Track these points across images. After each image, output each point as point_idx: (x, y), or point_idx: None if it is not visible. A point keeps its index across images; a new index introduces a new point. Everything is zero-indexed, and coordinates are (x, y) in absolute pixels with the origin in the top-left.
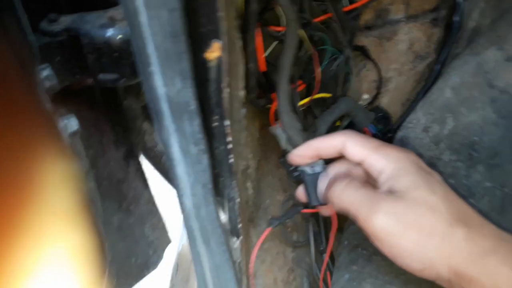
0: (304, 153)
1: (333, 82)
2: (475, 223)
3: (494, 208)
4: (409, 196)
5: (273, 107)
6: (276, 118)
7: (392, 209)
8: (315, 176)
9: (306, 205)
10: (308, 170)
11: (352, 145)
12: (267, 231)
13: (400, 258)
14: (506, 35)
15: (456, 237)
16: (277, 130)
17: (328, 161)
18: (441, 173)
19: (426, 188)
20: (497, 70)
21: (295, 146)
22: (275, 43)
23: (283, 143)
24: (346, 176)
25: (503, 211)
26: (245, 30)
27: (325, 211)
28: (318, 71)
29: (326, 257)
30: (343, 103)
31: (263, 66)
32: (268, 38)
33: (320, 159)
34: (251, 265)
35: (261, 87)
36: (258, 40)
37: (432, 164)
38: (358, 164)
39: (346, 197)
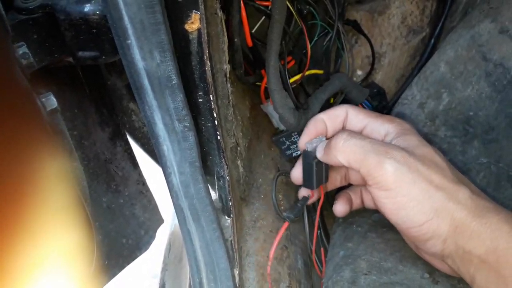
0: (312, 130)
1: (325, 58)
2: (475, 188)
3: (490, 184)
4: (418, 152)
5: (264, 84)
6: (267, 95)
7: (403, 158)
8: (316, 161)
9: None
10: (312, 153)
11: (355, 113)
12: (285, 226)
13: (405, 209)
14: (499, 6)
15: (462, 194)
16: (269, 108)
17: None
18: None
19: (431, 148)
20: (491, 43)
21: (287, 125)
22: (262, 18)
23: (275, 121)
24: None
25: (499, 187)
26: (229, 3)
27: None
28: (309, 46)
29: (315, 229)
30: (336, 80)
31: (249, 41)
32: (256, 13)
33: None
34: (268, 269)
35: (250, 64)
36: (243, 13)
37: (428, 140)
38: (359, 132)
39: (351, 147)
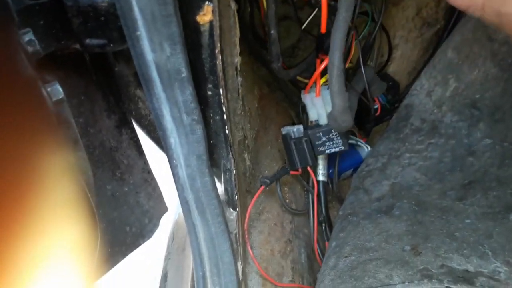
0: None
1: (362, 52)
2: None
3: (494, 164)
4: None
5: (314, 77)
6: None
7: None
8: (298, 140)
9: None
10: (291, 134)
11: None
12: (260, 189)
13: None
14: None
15: None
16: (309, 98)
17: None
18: (443, 135)
19: None
20: None
21: (341, 127)
22: (315, 10)
23: (313, 114)
24: None
25: (503, 165)
26: None
27: None
28: (354, 45)
29: (315, 223)
30: (368, 73)
31: (324, 27)
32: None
33: None
34: (246, 220)
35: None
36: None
37: (434, 127)
38: None
39: None
